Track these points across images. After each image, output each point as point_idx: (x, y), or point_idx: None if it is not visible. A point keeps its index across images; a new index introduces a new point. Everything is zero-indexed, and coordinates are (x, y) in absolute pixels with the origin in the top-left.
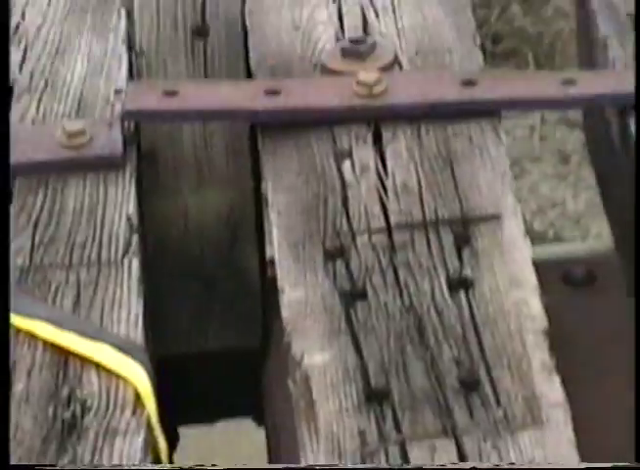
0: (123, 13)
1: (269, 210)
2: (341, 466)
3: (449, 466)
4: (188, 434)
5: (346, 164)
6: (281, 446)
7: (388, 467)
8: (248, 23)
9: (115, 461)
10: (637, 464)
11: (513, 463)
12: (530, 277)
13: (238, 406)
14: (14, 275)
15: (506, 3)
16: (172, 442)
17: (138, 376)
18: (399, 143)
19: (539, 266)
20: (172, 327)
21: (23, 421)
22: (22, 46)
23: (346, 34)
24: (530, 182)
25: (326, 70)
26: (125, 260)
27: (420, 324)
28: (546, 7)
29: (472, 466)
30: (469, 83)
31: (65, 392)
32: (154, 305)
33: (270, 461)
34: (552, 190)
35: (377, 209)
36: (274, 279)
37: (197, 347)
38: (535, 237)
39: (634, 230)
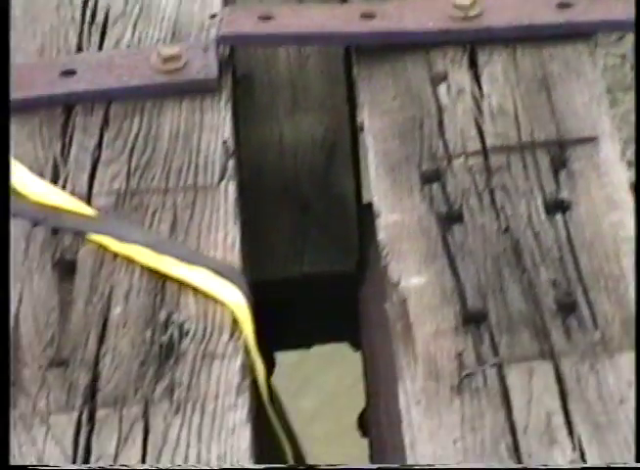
0: None
1: (365, 134)
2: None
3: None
4: (284, 359)
5: (442, 88)
6: (379, 371)
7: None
8: None
9: (213, 385)
10: (637, 464)
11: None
12: (627, 199)
13: (334, 331)
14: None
15: None
16: (269, 366)
17: (235, 300)
18: (495, 66)
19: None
20: (269, 251)
21: (121, 345)
22: None
23: None
24: (623, 112)
25: None
26: (222, 185)
27: (517, 247)
28: None
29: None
30: (565, 5)
31: (162, 316)
32: (250, 230)
33: (367, 387)
34: None
35: (473, 131)
36: (370, 203)
37: (293, 271)
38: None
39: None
